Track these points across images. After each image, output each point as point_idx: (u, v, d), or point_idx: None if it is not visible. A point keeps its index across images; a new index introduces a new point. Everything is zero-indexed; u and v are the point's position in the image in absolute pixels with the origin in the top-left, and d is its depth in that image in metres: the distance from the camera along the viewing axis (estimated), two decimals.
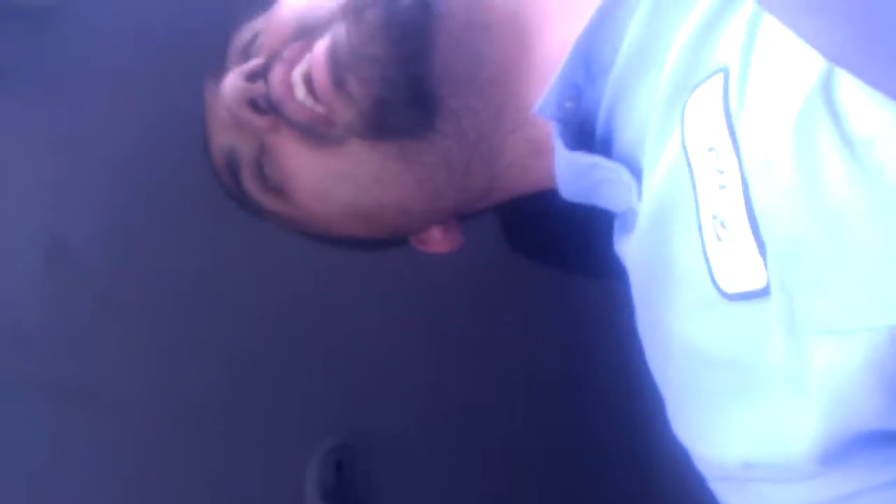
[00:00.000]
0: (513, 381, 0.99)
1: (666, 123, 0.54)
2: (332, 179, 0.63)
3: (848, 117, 0.41)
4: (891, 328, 0.42)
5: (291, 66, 0.61)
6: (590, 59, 0.58)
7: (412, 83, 0.59)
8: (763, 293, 0.47)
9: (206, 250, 0.85)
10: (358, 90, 0.59)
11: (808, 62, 0.43)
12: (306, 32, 0.61)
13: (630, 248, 0.60)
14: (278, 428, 0.89)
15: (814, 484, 0.50)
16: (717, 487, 0.58)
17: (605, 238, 0.64)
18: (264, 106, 0.62)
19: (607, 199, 0.62)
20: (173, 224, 0.83)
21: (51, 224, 0.78)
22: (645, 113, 0.56)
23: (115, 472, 0.81)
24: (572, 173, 0.61)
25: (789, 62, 0.45)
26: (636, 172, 0.57)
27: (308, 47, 0.61)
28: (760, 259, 0.47)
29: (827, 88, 0.42)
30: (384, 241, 0.73)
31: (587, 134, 0.61)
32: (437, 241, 0.72)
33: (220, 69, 0.67)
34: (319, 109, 0.61)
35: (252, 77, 0.63)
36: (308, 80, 0.61)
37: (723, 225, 0.49)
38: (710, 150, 0.49)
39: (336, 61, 0.59)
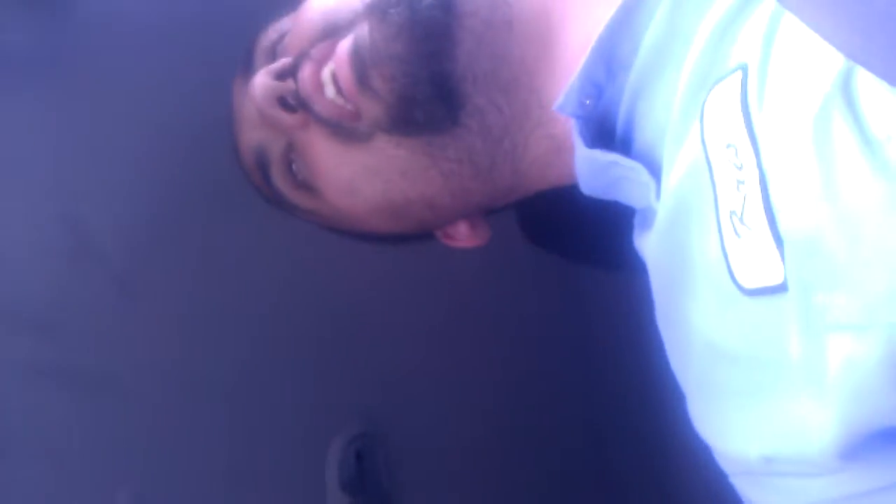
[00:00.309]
0: (532, 372, 0.99)
1: (685, 120, 0.54)
2: (360, 175, 0.64)
3: (867, 115, 0.41)
4: None
5: (320, 64, 0.62)
6: (611, 57, 0.59)
7: (436, 79, 0.59)
8: (780, 289, 0.48)
9: (228, 240, 0.86)
10: (382, 86, 0.59)
11: (828, 60, 0.43)
12: (333, 32, 0.62)
13: (649, 244, 0.60)
14: (299, 418, 0.90)
15: (835, 479, 0.50)
16: (737, 482, 0.58)
17: (625, 233, 0.65)
18: (294, 103, 0.63)
19: (627, 195, 0.62)
20: (194, 214, 0.84)
21: (73, 214, 0.79)
22: (664, 110, 0.56)
23: (137, 458, 0.81)
24: (591, 170, 0.62)
25: (809, 60, 0.45)
26: (655, 170, 0.57)
27: (335, 46, 0.62)
28: (778, 254, 0.47)
29: (846, 86, 0.42)
30: (410, 236, 0.73)
31: (608, 131, 0.62)
32: (465, 235, 0.72)
33: (247, 70, 0.68)
34: (349, 107, 0.62)
35: (281, 76, 0.64)
36: (336, 79, 0.61)
37: (741, 221, 0.49)
38: (729, 146, 0.49)
39: (359, 59, 0.60)
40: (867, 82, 0.41)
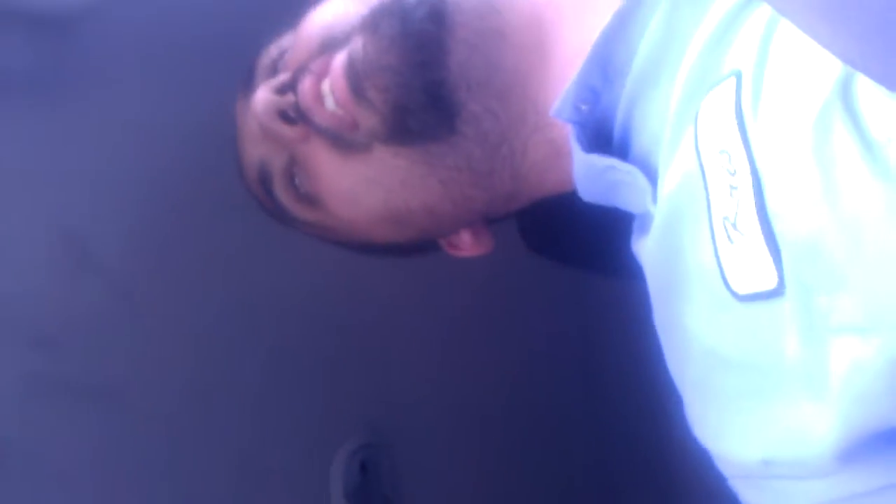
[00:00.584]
0: (533, 381, 0.99)
1: (680, 127, 0.54)
2: (361, 185, 0.65)
3: (867, 119, 0.42)
4: None
5: (320, 78, 0.63)
6: (607, 63, 0.59)
7: (429, 88, 0.60)
8: (774, 293, 0.48)
9: (230, 253, 0.86)
10: (377, 97, 0.60)
11: (826, 66, 0.43)
12: (331, 46, 0.63)
13: (646, 250, 0.61)
14: (303, 428, 0.90)
15: (833, 480, 0.50)
16: (736, 485, 0.58)
17: (624, 238, 0.65)
18: (294, 117, 0.64)
19: (624, 201, 0.62)
20: (196, 226, 0.84)
21: (75, 227, 0.79)
22: (660, 116, 0.57)
23: (142, 471, 0.81)
24: (589, 175, 0.62)
25: (806, 67, 0.45)
26: (652, 175, 0.58)
27: (332, 59, 0.63)
28: (771, 259, 0.47)
29: (845, 91, 0.42)
30: (414, 248, 0.74)
31: (605, 137, 0.62)
32: (468, 244, 0.73)
33: (249, 88, 0.69)
34: (348, 117, 0.62)
35: (281, 90, 0.65)
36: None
37: (734, 226, 0.49)
38: (722, 152, 0.50)
39: (353, 72, 0.61)
40: (866, 88, 0.42)
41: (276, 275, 0.88)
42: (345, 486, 0.92)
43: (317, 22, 0.66)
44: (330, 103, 0.63)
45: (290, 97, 0.64)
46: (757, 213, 0.47)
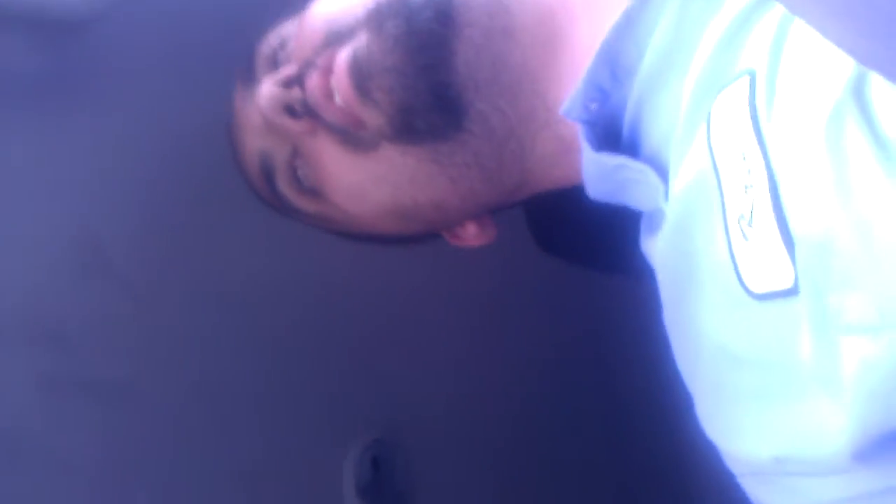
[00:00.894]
0: (544, 377, 0.99)
1: (692, 125, 0.54)
2: (369, 182, 0.64)
3: (880, 118, 0.41)
4: None
5: (328, 73, 0.62)
6: (615, 61, 0.59)
7: (435, 89, 0.60)
8: (791, 292, 0.47)
9: (240, 251, 0.86)
10: (382, 97, 0.60)
11: (839, 65, 0.43)
12: (336, 39, 0.62)
13: (657, 248, 0.60)
14: (315, 425, 0.90)
15: (847, 478, 0.50)
16: (746, 483, 0.58)
17: (632, 237, 0.65)
18: (301, 111, 0.63)
19: (634, 199, 0.62)
20: (206, 225, 0.84)
21: (86, 229, 0.79)
22: (671, 115, 0.56)
23: (153, 466, 0.82)
24: (599, 174, 0.62)
25: (819, 65, 0.45)
26: (662, 173, 0.58)
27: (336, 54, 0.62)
28: (788, 258, 0.47)
29: (858, 90, 0.42)
30: (417, 237, 0.73)
31: (614, 135, 0.62)
32: (472, 235, 0.72)
33: (248, 77, 0.68)
34: (355, 116, 0.62)
35: (287, 84, 0.64)
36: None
37: (749, 225, 0.49)
38: (737, 151, 0.49)
39: (358, 71, 0.60)
40: (880, 86, 0.41)
41: (287, 273, 0.88)
42: (357, 481, 0.92)
43: (321, 13, 0.65)
44: (339, 99, 0.62)
45: (296, 91, 0.63)
46: (773, 211, 0.47)
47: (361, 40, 0.61)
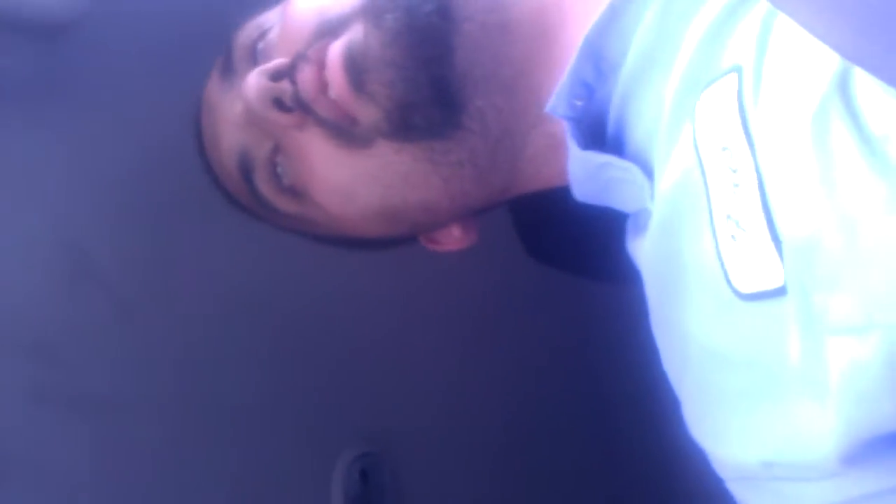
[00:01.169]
0: (532, 388, 0.99)
1: (676, 123, 0.54)
2: (359, 179, 0.63)
3: (865, 114, 0.41)
4: None
5: (321, 66, 0.60)
6: (599, 55, 0.58)
7: (435, 83, 0.59)
8: (779, 292, 0.47)
9: (228, 262, 0.86)
10: (380, 92, 0.59)
11: (824, 60, 0.43)
12: (329, 30, 0.61)
13: (643, 249, 0.60)
14: (303, 437, 0.90)
15: (835, 482, 0.49)
16: (734, 488, 0.57)
17: (617, 240, 0.64)
18: (291, 105, 0.61)
19: (620, 199, 0.62)
20: (195, 235, 0.84)
21: (73, 237, 0.79)
22: (655, 112, 0.56)
23: (141, 480, 0.81)
24: (585, 172, 0.61)
25: (804, 60, 0.44)
26: (648, 171, 0.57)
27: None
28: (777, 258, 0.46)
29: (844, 86, 0.42)
30: (393, 241, 0.72)
31: (601, 134, 0.61)
32: (455, 238, 0.71)
33: (226, 68, 0.67)
34: (348, 111, 0.60)
35: (276, 76, 0.62)
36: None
37: (737, 224, 0.48)
38: (724, 149, 0.49)
39: (353, 64, 0.58)
40: (864, 82, 0.41)
41: (274, 284, 0.88)
42: (345, 494, 0.92)
43: (311, 4, 0.63)
44: (333, 93, 0.60)
45: (285, 84, 0.61)
46: (762, 209, 0.47)
47: (357, 32, 0.59)
